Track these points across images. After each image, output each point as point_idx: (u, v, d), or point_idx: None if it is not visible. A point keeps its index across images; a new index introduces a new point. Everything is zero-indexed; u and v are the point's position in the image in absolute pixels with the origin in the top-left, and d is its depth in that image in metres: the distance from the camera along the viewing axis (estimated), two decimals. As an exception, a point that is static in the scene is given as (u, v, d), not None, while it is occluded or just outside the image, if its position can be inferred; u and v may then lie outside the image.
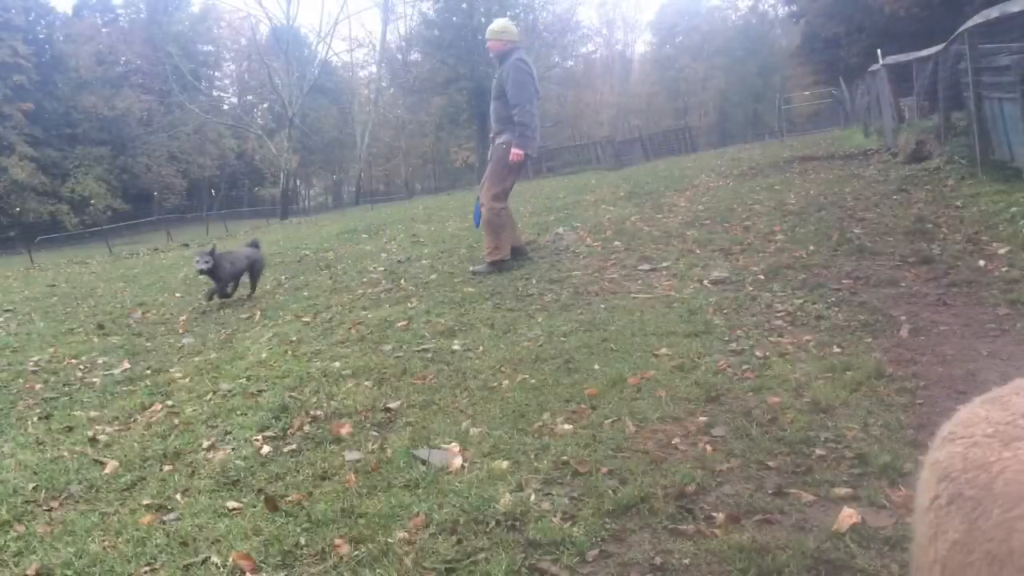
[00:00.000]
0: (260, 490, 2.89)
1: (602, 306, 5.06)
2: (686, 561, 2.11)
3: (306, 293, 7.27)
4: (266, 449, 3.30)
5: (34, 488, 3.14)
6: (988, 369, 3.27)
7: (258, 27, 44.65)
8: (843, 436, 2.75)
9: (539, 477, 2.68)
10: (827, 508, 2.32)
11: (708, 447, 2.77)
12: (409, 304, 5.90)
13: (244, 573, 2.30)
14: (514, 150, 6.34)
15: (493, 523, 2.39)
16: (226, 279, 7.14)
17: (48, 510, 2.94)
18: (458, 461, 2.86)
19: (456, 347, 4.51)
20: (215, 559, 2.38)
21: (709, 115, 63.30)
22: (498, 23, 6.67)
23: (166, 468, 3.23)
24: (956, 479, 1.04)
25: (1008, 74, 7.28)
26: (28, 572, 2.44)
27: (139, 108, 48.29)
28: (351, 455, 3.06)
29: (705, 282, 5.41)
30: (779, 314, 4.47)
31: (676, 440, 2.88)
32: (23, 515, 2.91)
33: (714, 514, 2.32)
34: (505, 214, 6.58)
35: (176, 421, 3.84)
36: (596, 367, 3.79)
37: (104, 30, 51.26)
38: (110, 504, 2.94)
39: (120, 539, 2.61)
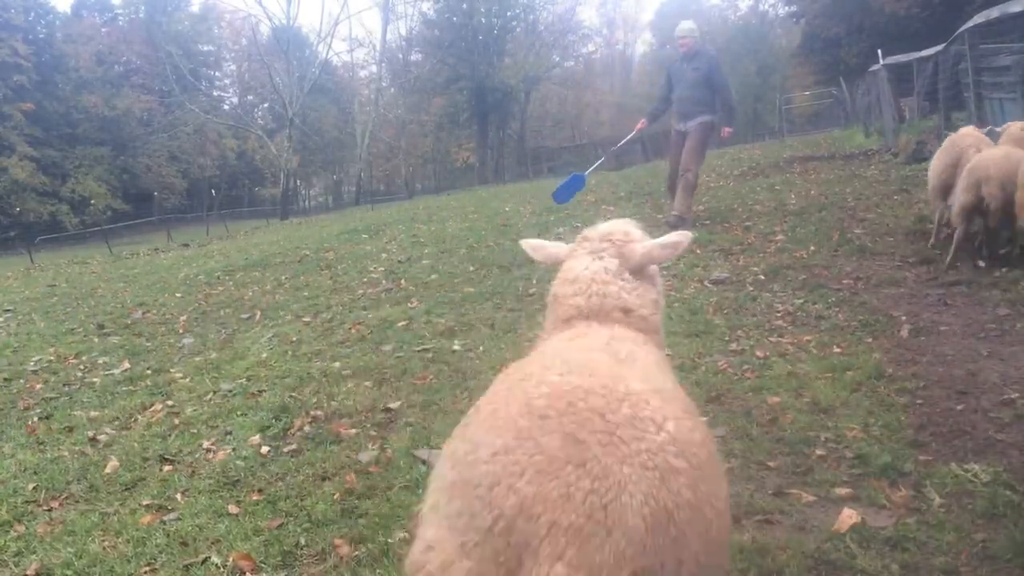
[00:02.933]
0: (260, 490, 2.89)
1: (602, 306, 5.05)
2: (686, 561, 2.11)
3: (306, 293, 7.27)
4: (266, 449, 3.30)
5: (34, 488, 3.14)
6: (988, 369, 3.27)
7: (258, 27, 44.63)
8: (843, 436, 2.75)
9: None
10: (827, 508, 2.32)
11: (708, 447, 2.77)
12: (409, 304, 5.90)
13: (244, 573, 2.30)
14: (727, 128, 7.82)
15: (493, 523, 2.38)
16: None
17: (48, 510, 2.95)
18: (458, 461, 2.86)
19: (456, 347, 4.50)
20: (215, 559, 2.38)
21: (709, 115, 63.24)
22: (691, 24, 8.00)
23: (166, 468, 3.23)
24: None
25: (1008, 74, 7.28)
26: (28, 572, 2.44)
27: (139, 108, 48.21)
28: (364, 455, 3.05)
29: (705, 282, 5.41)
30: (779, 314, 4.47)
31: (676, 440, 2.87)
32: (23, 515, 2.91)
33: (714, 514, 2.32)
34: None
35: (176, 421, 3.84)
36: (596, 367, 3.79)
37: (104, 30, 51.17)
38: (110, 504, 2.94)
39: (120, 539, 2.61)
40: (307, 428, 3.48)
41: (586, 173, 8.54)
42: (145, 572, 2.39)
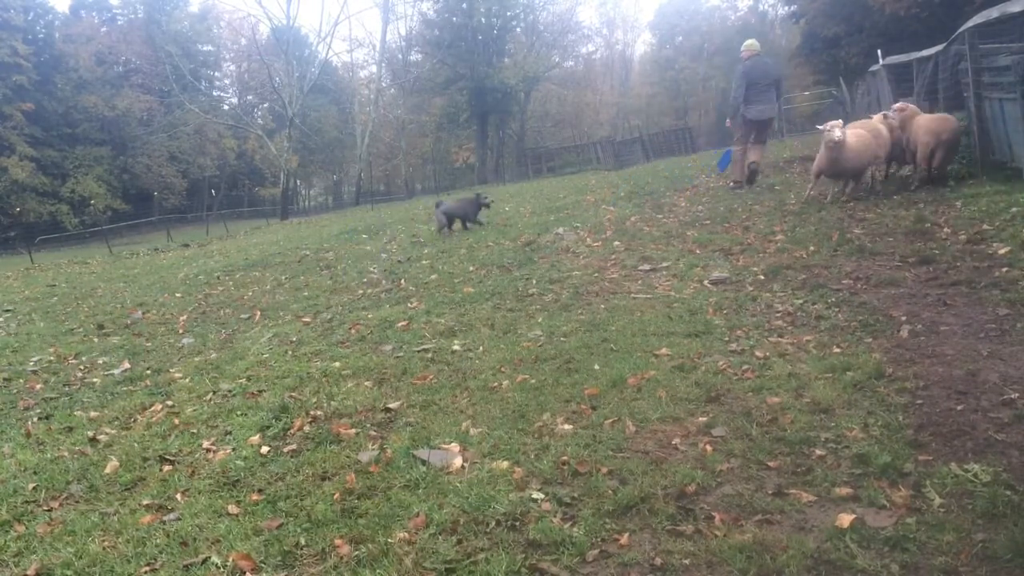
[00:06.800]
0: (260, 490, 2.89)
1: (602, 306, 5.06)
2: (686, 561, 2.11)
3: (306, 293, 7.28)
4: (266, 449, 3.30)
5: (34, 488, 3.14)
6: (988, 369, 3.27)
7: (258, 27, 44.64)
8: (843, 436, 2.75)
9: (539, 477, 2.68)
10: (827, 508, 2.32)
11: (708, 447, 2.77)
12: (409, 304, 5.90)
13: (244, 573, 2.30)
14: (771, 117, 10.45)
15: (493, 523, 2.39)
16: None
17: (48, 510, 2.95)
18: (458, 461, 2.86)
19: (456, 347, 4.51)
20: (215, 559, 2.38)
21: (709, 115, 63.22)
22: (755, 42, 10.49)
23: (166, 468, 3.23)
24: None
25: (1008, 74, 7.27)
26: (28, 572, 2.44)
27: (139, 108, 48.18)
28: (365, 455, 3.05)
29: (705, 282, 5.41)
30: (779, 314, 4.47)
31: (676, 440, 2.88)
32: (23, 515, 2.91)
33: (714, 514, 2.32)
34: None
35: (176, 421, 3.84)
36: (596, 367, 3.79)
37: (103, 30, 51.12)
38: (110, 504, 2.94)
39: (120, 539, 2.61)
40: (307, 428, 3.48)
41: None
42: (145, 572, 2.39)
